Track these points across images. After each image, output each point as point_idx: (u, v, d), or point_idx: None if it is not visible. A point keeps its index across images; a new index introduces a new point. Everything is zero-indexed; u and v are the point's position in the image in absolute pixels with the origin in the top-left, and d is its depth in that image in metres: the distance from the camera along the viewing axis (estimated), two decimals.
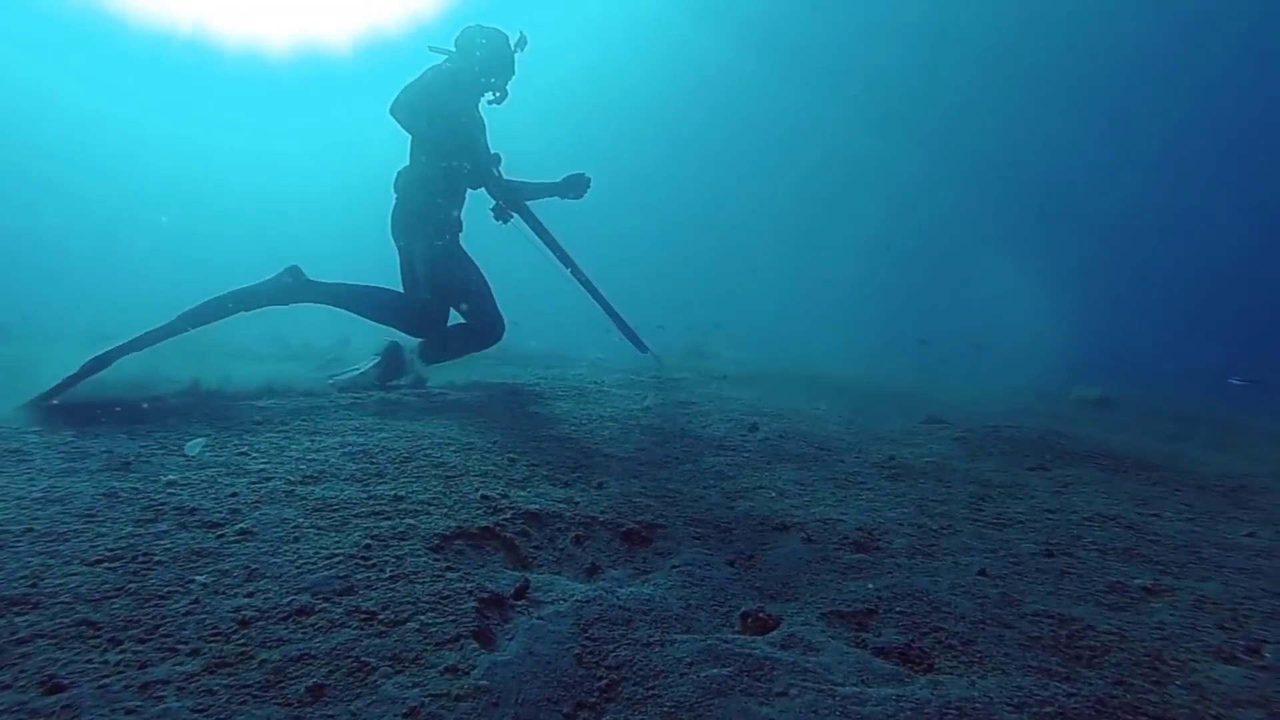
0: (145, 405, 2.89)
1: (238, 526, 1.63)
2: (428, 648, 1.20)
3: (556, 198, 4.53)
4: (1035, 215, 21.72)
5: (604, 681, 1.17)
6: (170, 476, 1.95)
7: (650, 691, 1.14)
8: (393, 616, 1.29)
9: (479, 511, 1.87)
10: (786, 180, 25.28)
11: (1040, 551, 1.89)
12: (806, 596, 1.54)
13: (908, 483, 2.59)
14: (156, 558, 1.44)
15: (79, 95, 24.96)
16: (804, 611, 1.46)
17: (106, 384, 3.05)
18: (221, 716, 0.99)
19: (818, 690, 1.15)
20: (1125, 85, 20.47)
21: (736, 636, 1.33)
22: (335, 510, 1.81)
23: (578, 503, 2.02)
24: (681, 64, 23.65)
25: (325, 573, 1.43)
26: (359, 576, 1.43)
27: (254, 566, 1.44)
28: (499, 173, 4.36)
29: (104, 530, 1.57)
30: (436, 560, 1.55)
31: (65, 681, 1.03)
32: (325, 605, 1.30)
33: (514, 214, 4.52)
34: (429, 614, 1.31)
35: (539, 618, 1.35)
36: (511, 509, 1.90)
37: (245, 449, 2.33)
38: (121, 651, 1.12)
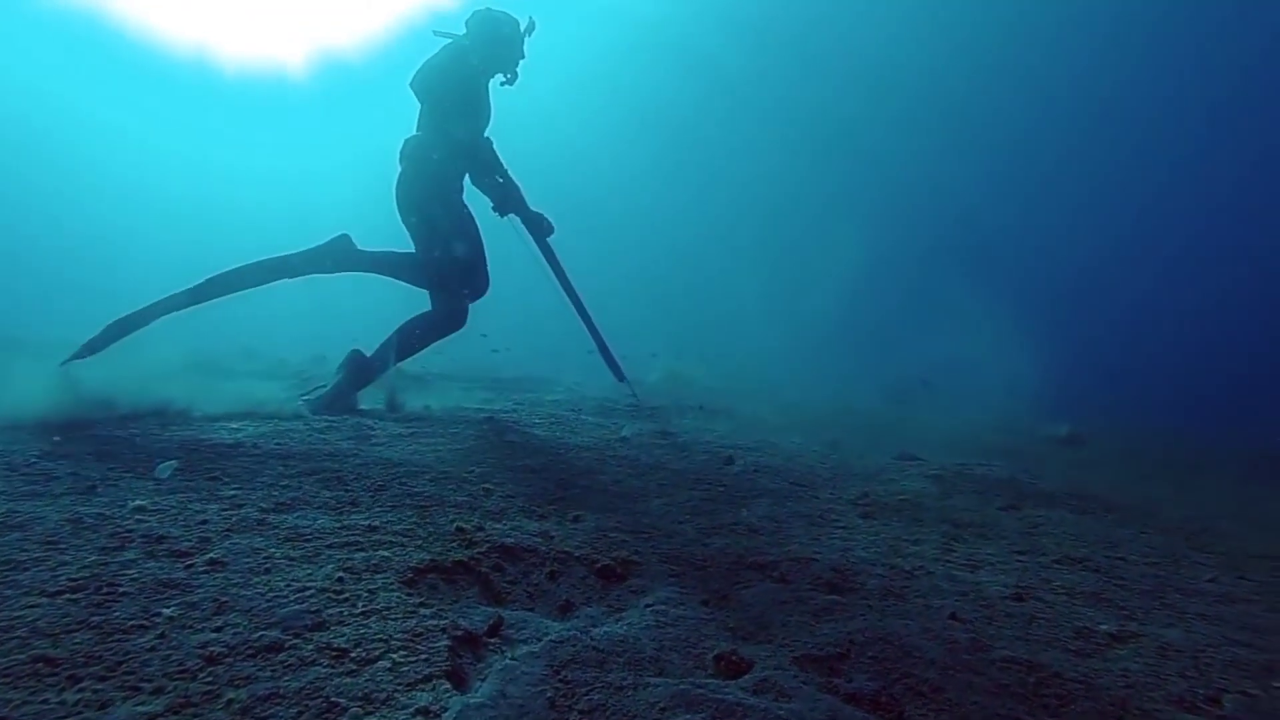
0: (115, 426, 2.84)
1: (207, 556, 1.60)
2: (399, 688, 1.19)
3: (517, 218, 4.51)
4: (1007, 252, 22.25)
5: None
6: (139, 502, 1.91)
7: None
8: (364, 654, 1.27)
9: (454, 544, 1.86)
10: (767, 209, 25.67)
11: (1010, 595, 1.92)
12: (779, 639, 1.54)
13: (881, 521, 2.61)
14: (121, 589, 1.41)
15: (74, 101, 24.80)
16: (776, 655, 1.47)
17: (76, 400, 3.00)
18: None
19: None
20: (1087, 122, 21.11)
21: (709, 680, 1.33)
22: (308, 540, 1.78)
23: (553, 537, 2.01)
24: (660, 100, 23.96)
25: (296, 606, 1.41)
26: (331, 611, 1.41)
27: (223, 599, 1.41)
28: (494, 154, 4.36)
29: (67, 559, 1.53)
30: (410, 595, 1.53)
31: None
32: (295, 641, 1.28)
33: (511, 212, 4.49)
34: (401, 652, 1.29)
35: (512, 658, 1.34)
36: (487, 542, 1.89)
37: (217, 473, 2.29)
38: (80, 690, 1.09)
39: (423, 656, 1.29)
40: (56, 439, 2.57)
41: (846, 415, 6.26)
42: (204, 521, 1.83)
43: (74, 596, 1.36)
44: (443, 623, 1.42)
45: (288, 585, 1.50)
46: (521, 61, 4.35)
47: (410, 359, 4.22)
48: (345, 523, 1.95)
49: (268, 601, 1.42)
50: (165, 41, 20.26)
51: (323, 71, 21.14)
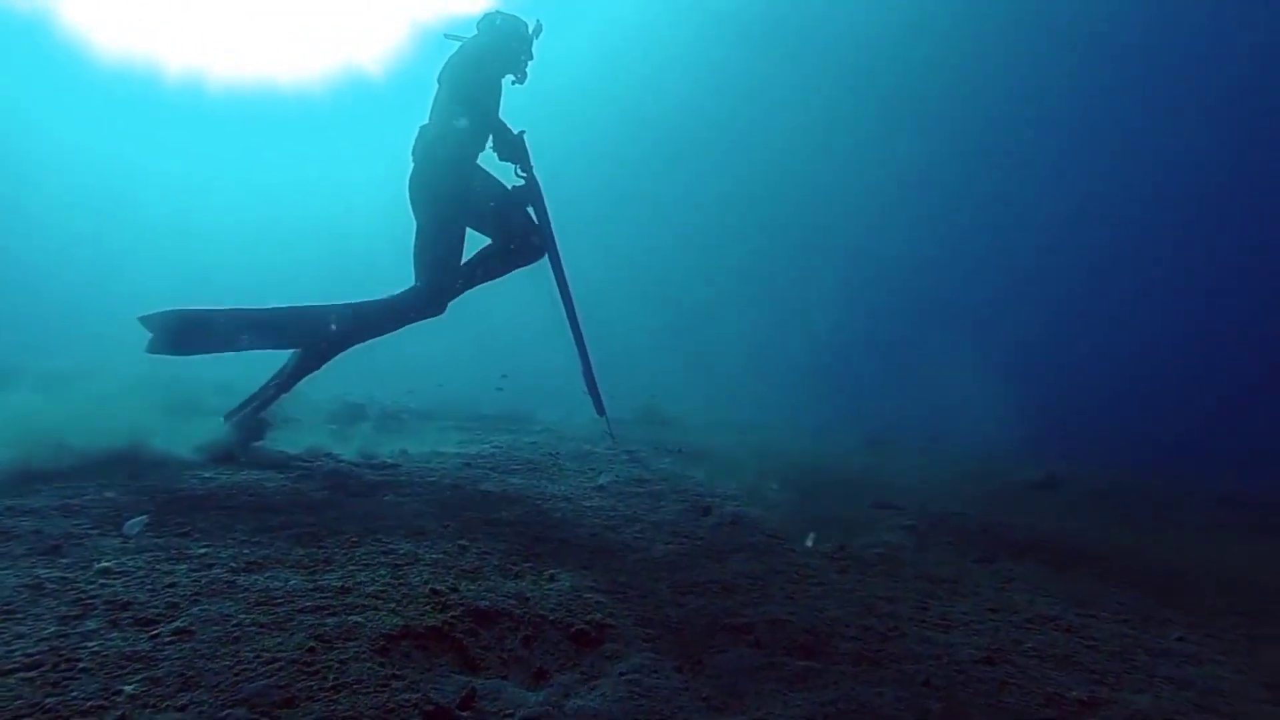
0: (83, 476, 2.79)
1: (174, 625, 1.57)
2: None
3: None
4: (979, 294, 22.69)
5: None
6: (104, 563, 1.88)
7: None
8: None
9: (427, 608, 1.84)
10: (748, 250, 26.03)
11: (982, 659, 1.93)
12: (753, 709, 1.54)
13: (856, 576, 2.62)
14: (82, 664, 1.38)
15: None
16: None
17: (47, 448, 2.94)
18: None
19: None
20: (1053, 166, 21.73)
21: None
22: (279, 604, 1.76)
23: (528, 598, 2.00)
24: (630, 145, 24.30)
25: (265, 681, 1.39)
26: (300, 685, 1.39)
27: (189, 674, 1.39)
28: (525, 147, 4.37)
29: (24, 630, 1.49)
30: (382, 666, 1.51)
31: None
32: None
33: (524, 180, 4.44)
34: None
35: None
36: (461, 605, 1.87)
37: (188, 528, 2.26)
38: None
39: None
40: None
41: (825, 459, 6.30)
42: (172, 585, 1.80)
43: (29, 675, 1.33)
44: (415, 696, 1.41)
45: (257, 656, 1.48)
46: (530, 63, 4.42)
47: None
48: (318, 583, 1.93)
49: (235, 675, 1.40)
50: (174, 68, 20.30)
51: (341, 86, 21.17)
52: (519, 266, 4.40)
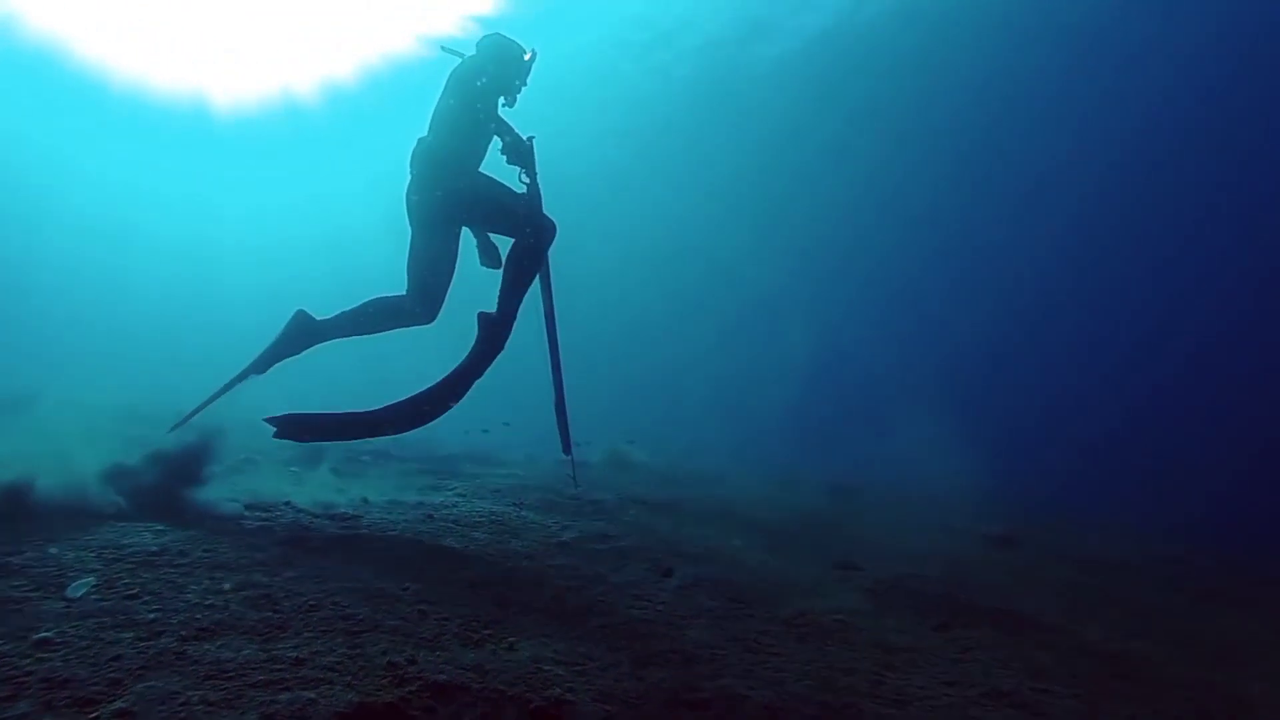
0: (26, 529, 2.69)
1: (114, 706, 1.52)
2: None
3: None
4: (944, 352, 23.25)
5: None
6: (43, 633, 1.81)
7: None
8: None
9: (385, 682, 1.81)
10: (718, 300, 26.50)
11: None
12: None
13: (815, 645, 2.64)
14: None
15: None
16: None
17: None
18: None
19: None
20: (1011, 220, 22.49)
21: None
22: (229, 678, 1.72)
23: (487, 671, 1.97)
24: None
25: None
26: None
27: None
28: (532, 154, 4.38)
29: None
30: None
31: None
32: None
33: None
34: None
35: None
36: (418, 679, 1.85)
37: (136, 590, 2.19)
38: None
39: None
40: None
41: (789, 510, 6.32)
42: (116, 657, 1.74)
43: None
44: None
45: None
46: (523, 89, 4.48)
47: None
48: (272, 653, 1.89)
49: None
50: (160, 88, 20.13)
51: (329, 102, 21.13)
52: (547, 248, 4.28)
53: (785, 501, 7.28)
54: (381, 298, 4.22)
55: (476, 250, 4.52)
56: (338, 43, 17.87)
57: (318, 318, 4.19)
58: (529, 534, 3.83)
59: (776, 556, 4.14)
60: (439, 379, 4.03)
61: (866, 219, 23.17)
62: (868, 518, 6.39)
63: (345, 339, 4.27)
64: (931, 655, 2.70)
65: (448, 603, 2.50)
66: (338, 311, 4.22)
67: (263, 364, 4.16)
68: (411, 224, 4.20)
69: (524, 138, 4.40)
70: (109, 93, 20.54)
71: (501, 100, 4.44)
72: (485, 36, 4.46)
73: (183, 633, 1.94)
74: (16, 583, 2.15)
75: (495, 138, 4.33)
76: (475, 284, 4.45)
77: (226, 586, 2.34)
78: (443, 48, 4.47)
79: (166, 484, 3.50)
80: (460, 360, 4.06)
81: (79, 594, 2.10)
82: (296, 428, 3.96)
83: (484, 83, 4.26)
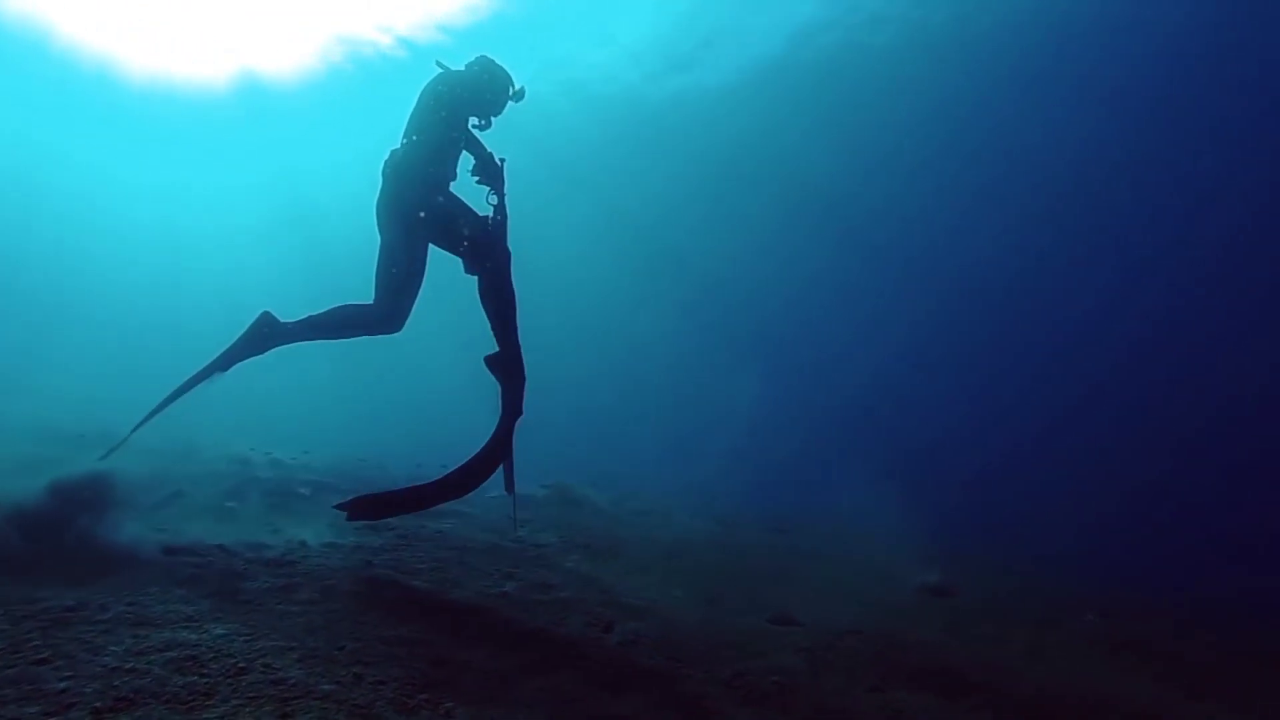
0: None
1: None
2: None
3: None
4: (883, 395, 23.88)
5: None
6: None
7: None
8: None
9: None
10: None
11: None
12: None
13: (754, 709, 2.68)
14: None
15: None
16: None
17: None
18: None
19: None
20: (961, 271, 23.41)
21: None
22: None
23: None
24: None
25: None
26: None
27: None
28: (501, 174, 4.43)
29: None
30: None
31: None
32: None
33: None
34: None
35: None
36: None
37: (48, 654, 2.10)
38: None
39: None
40: None
41: (729, 555, 6.37)
42: None
43: None
44: None
45: None
46: (497, 116, 4.53)
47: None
48: None
49: None
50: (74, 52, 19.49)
51: (245, 92, 20.75)
52: (507, 273, 4.24)
53: (727, 542, 7.33)
54: (348, 306, 4.26)
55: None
56: (301, 25, 17.79)
57: (282, 320, 4.20)
58: (470, 583, 3.78)
59: (716, 608, 4.18)
60: (487, 442, 4.16)
61: (816, 268, 23.87)
62: (807, 563, 6.48)
63: (308, 342, 4.30)
64: None
65: (385, 662, 2.46)
66: (304, 315, 4.23)
67: (225, 362, 4.17)
68: (380, 234, 4.22)
69: (495, 158, 4.47)
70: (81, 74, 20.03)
71: (476, 121, 4.50)
72: (478, 57, 4.54)
73: (97, 704, 1.86)
74: None
75: (467, 154, 4.40)
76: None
77: (151, 643, 2.26)
78: (437, 63, 4.50)
79: (87, 523, 3.37)
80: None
81: None
82: (369, 508, 4.02)
83: (463, 95, 4.32)
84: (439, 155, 4.25)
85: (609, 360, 28.06)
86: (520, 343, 4.17)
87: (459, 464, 4.12)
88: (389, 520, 5.33)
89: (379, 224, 4.23)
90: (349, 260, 4.97)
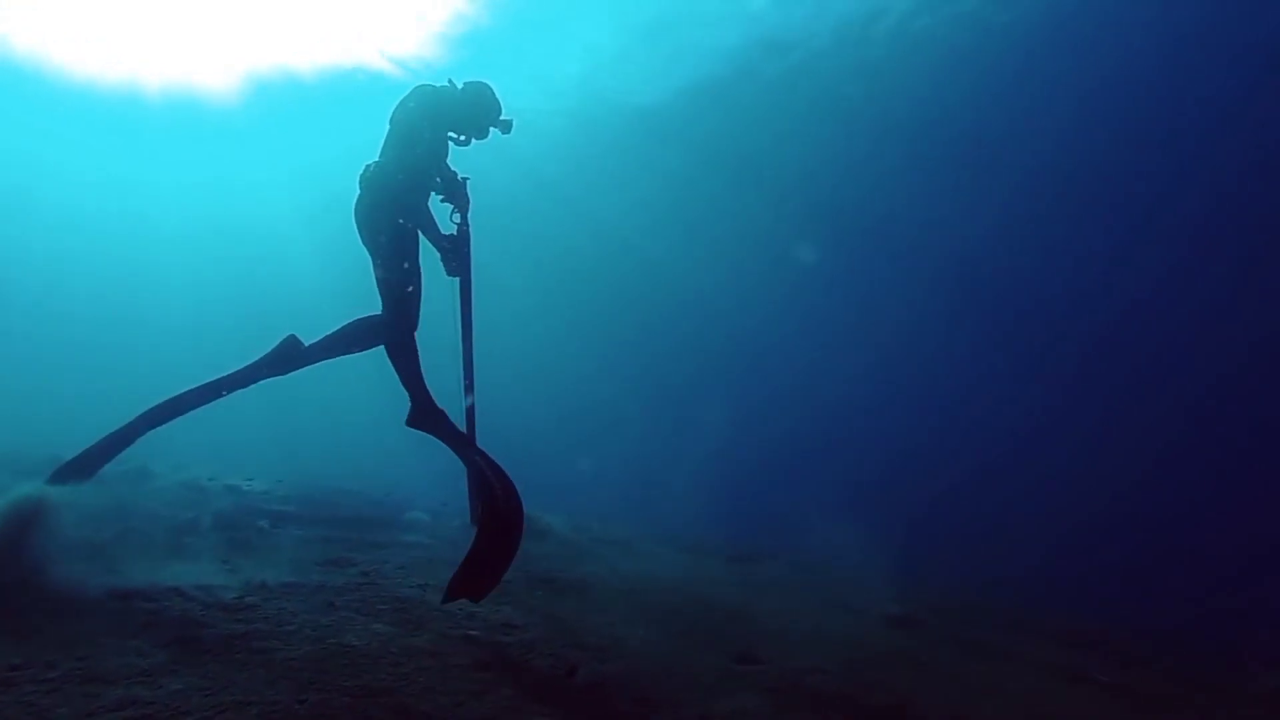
0: None
1: None
2: None
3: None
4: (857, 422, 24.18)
5: None
6: None
7: None
8: None
9: None
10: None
11: None
12: None
13: None
14: None
15: None
16: None
17: None
18: None
19: None
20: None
21: None
22: None
23: None
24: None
25: None
26: None
27: None
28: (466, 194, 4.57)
29: None
30: None
31: None
32: None
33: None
34: None
35: None
36: None
37: None
38: None
39: None
40: None
41: (694, 587, 6.39)
42: None
43: None
44: None
45: None
46: (479, 139, 4.59)
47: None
48: None
49: None
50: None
51: (255, 97, 20.47)
52: (396, 336, 4.30)
53: (692, 573, 7.35)
54: (362, 319, 4.33)
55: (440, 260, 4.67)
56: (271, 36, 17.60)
57: (305, 343, 4.33)
58: (433, 624, 3.75)
59: (681, 645, 4.20)
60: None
61: (771, 295, 24.19)
62: (771, 596, 6.54)
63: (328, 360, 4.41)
64: None
65: (347, 715, 2.44)
66: (322, 336, 4.36)
67: (245, 381, 4.27)
68: (365, 246, 4.30)
69: (459, 178, 4.53)
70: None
71: (456, 136, 4.56)
72: (471, 82, 4.61)
73: None
74: None
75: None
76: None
77: (104, 701, 2.22)
78: (449, 81, 4.58)
79: (30, 566, 3.28)
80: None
81: None
82: (470, 586, 3.75)
83: (446, 109, 4.39)
84: (418, 167, 4.34)
85: (570, 381, 28.06)
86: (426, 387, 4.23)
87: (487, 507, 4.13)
88: (352, 557, 5.28)
89: (360, 233, 4.31)
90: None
